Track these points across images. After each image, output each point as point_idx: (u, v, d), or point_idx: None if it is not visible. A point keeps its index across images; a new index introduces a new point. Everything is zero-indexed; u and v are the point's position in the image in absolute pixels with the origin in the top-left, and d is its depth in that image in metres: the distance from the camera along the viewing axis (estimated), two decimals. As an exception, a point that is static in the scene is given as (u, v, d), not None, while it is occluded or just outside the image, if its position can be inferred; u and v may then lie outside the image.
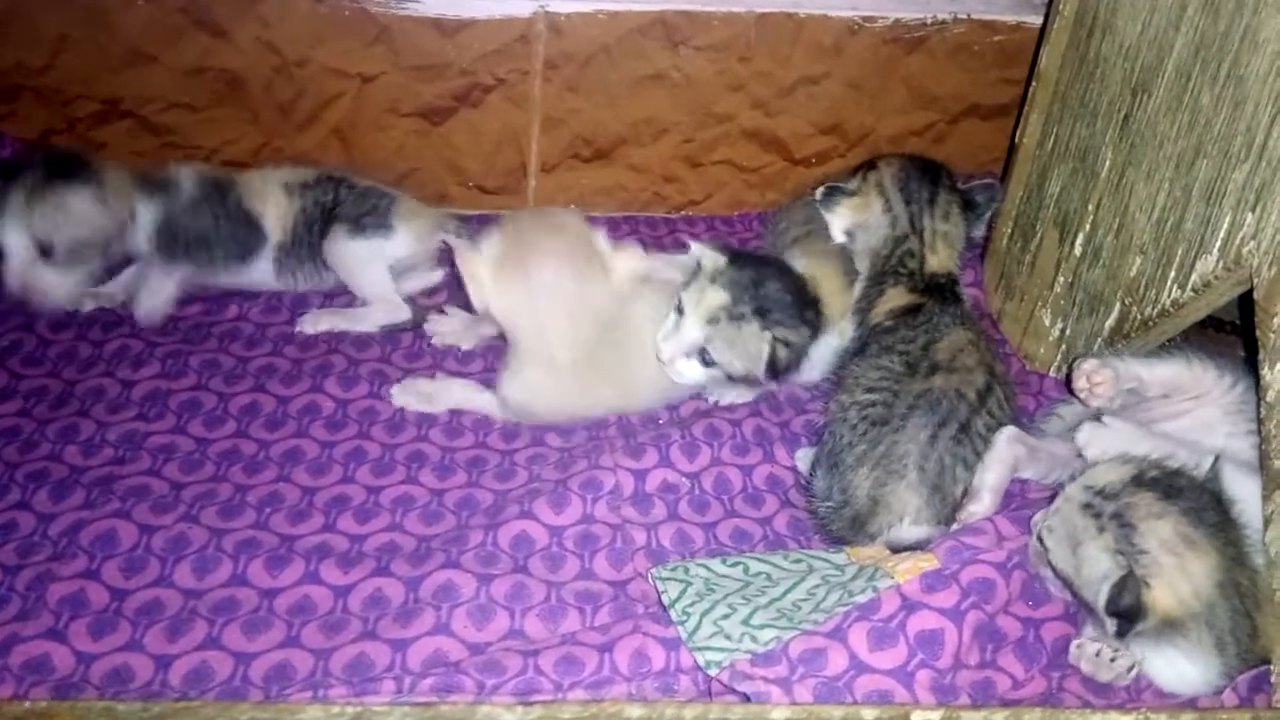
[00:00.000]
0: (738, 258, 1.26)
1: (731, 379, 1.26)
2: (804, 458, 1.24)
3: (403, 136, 1.73)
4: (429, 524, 1.12)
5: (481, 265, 1.20)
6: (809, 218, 1.44)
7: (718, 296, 1.21)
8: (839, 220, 1.30)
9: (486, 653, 0.96)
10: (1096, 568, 0.96)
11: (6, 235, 1.27)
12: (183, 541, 1.06)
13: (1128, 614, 0.93)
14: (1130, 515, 0.96)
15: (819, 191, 1.32)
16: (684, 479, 1.19)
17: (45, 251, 1.29)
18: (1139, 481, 0.98)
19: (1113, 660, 0.98)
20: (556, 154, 1.77)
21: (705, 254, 1.25)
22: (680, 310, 1.24)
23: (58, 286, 1.31)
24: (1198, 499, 0.97)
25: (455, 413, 1.30)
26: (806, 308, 1.27)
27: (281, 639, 0.97)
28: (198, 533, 1.07)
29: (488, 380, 1.32)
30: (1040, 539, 1.01)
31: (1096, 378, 1.14)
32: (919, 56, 1.73)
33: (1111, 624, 0.95)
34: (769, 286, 1.25)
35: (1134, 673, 0.98)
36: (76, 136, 1.66)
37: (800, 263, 1.35)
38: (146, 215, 1.36)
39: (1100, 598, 0.95)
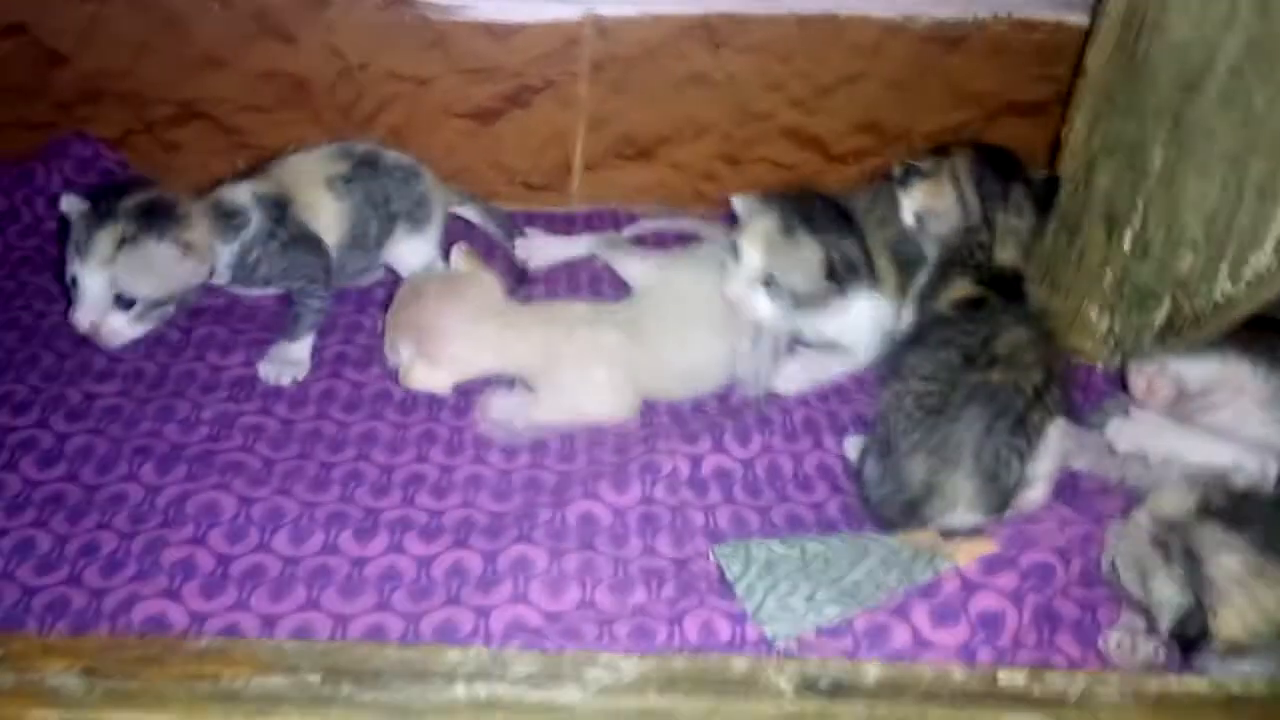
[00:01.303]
0: (777, 195, 1.35)
1: (799, 303, 1.32)
2: (853, 446, 1.30)
3: (454, 136, 1.81)
4: (499, 501, 1.21)
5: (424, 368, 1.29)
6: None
7: (768, 219, 1.29)
8: (911, 202, 1.35)
9: (563, 621, 1.04)
10: (1164, 596, 1.01)
11: (86, 278, 1.27)
12: (278, 513, 1.15)
13: (1192, 644, 0.98)
14: (1197, 548, 0.99)
15: (897, 170, 1.37)
16: (737, 464, 1.27)
17: (124, 304, 1.30)
18: (1205, 510, 1.01)
19: (1134, 649, 1.04)
20: (600, 152, 1.85)
21: (747, 202, 1.33)
22: (736, 253, 1.31)
23: (126, 334, 1.32)
24: (1266, 523, 1.00)
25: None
26: (850, 221, 1.35)
27: (374, 603, 1.06)
28: (291, 505, 1.16)
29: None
30: (1113, 567, 1.07)
31: (1157, 383, 1.18)
32: (958, 55, 1.80)
33: (1176, 649, 1.00)
34: (812, 204, 1.33)
35: (1161, 654, 1.03)
36: (153, 137, 1.76)
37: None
38: (225, 257, 1.38)
39: (1166, 624, 1.00)
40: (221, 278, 1.39)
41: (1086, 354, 1.46)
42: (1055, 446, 1.19)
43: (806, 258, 1.30)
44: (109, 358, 1.37)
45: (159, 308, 1.33)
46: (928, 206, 1.35)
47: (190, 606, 1.04)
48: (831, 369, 1.41)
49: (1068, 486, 1.23)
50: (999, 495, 1.17)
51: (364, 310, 1.52)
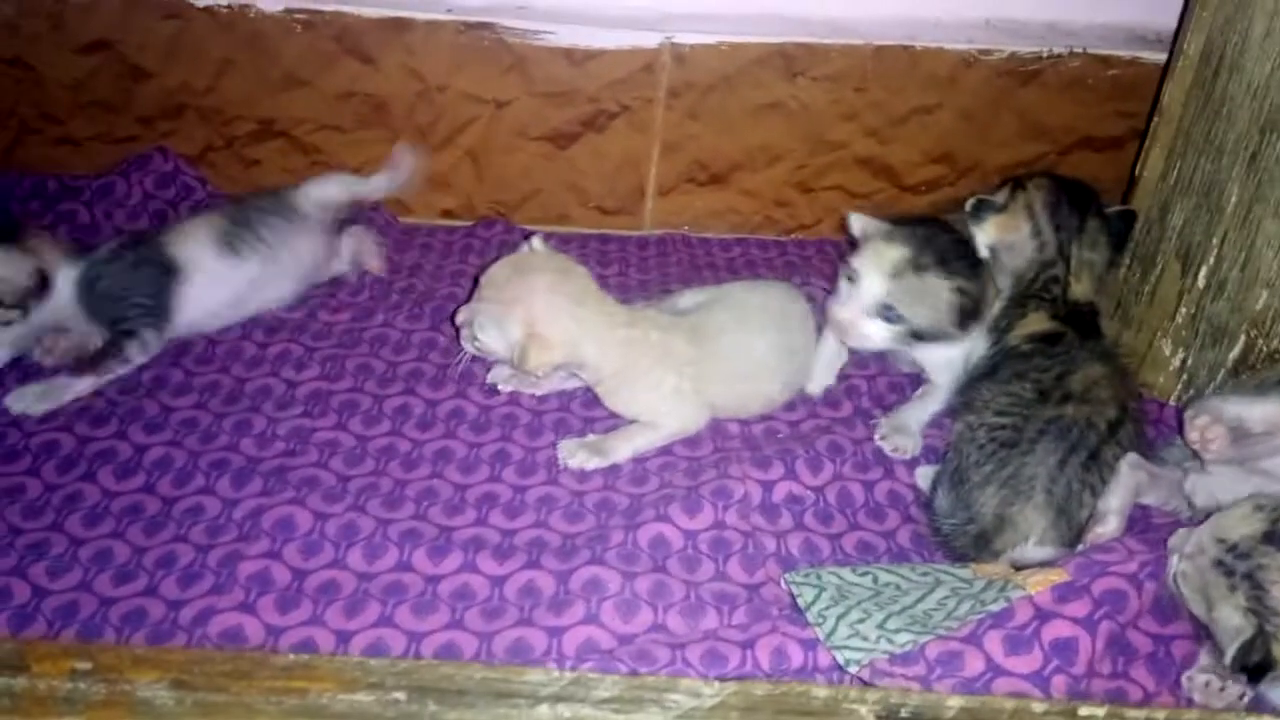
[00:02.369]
0: (901, 220, 1.32)
1: (914, 335, 1.31)
2: (924, 476, 1.29)
3: (530, 159, 1.82)
4: (571, 522, 1.20)
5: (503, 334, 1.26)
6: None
7: (898, 251, 1.27)
8: (984, 235, 1.34)
9: (635, 643, 1.03)
10: (1228, 622, 0.99)
11: None
12: (353, 529, 1.15)
13: (1255, 671, 0.96)
14: (1262, 577, 0.98)
15: (969, 203, 1.36)
16: (809, 491, 1.26)
17: None
18: (1271, 539, 0.99)
19: (1222, 689, 1.01)
20: (673, 177, 1.85)
21: (866, 222, 1.32)
22: (852, 277, 1.30)
23: None
24: None
25: (589, 421, 1.38)
26: (977, 262, 1.33)
27: (447, 621, 1.05)
28: (365, 521, 1.16)
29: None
30: (1176, 583, 1.05)
31: (1210, 434, 1.16)
32: (1033, 89, 1.78)
33: (1240, 676, 0.98)
34: (943, 239, 1.31)
35: (1246, 699, 1.01)
36: (233, 154, 1.79)
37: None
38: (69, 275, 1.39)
39: (1229, 652, 0.98)
40: (65, 300, 1.36)
41: (1158, 389, 1.45)
42: (1127, 482, 1.17)
43: (939, 298, 1.29)
44: (185, 371, 1.39)
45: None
46: (1002, 239, 1.33)
47: (265, 620, 1.04)
48: (928, 411, 1.39)
49: (1139, 521, 1.21)
50: (1070, 529, 1.16)
51: (438, 327, 1.53)
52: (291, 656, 0.74)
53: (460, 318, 1.29)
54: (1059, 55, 1.77)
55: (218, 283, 1.42)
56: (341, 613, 1.05)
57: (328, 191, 1.56)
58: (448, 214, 1.86)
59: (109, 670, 0.71)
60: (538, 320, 1.24)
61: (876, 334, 1.31)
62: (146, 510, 1.16)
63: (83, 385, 1.32)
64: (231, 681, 0.72)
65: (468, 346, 1.30)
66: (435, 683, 0.79)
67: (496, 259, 1.68)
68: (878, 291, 1.29)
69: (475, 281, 1.32)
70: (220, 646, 0.98)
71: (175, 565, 1.09)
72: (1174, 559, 1.06)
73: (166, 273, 1.38)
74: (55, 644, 0.73)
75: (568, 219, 1.88)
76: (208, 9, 1.68)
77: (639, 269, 1.74)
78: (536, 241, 1.34)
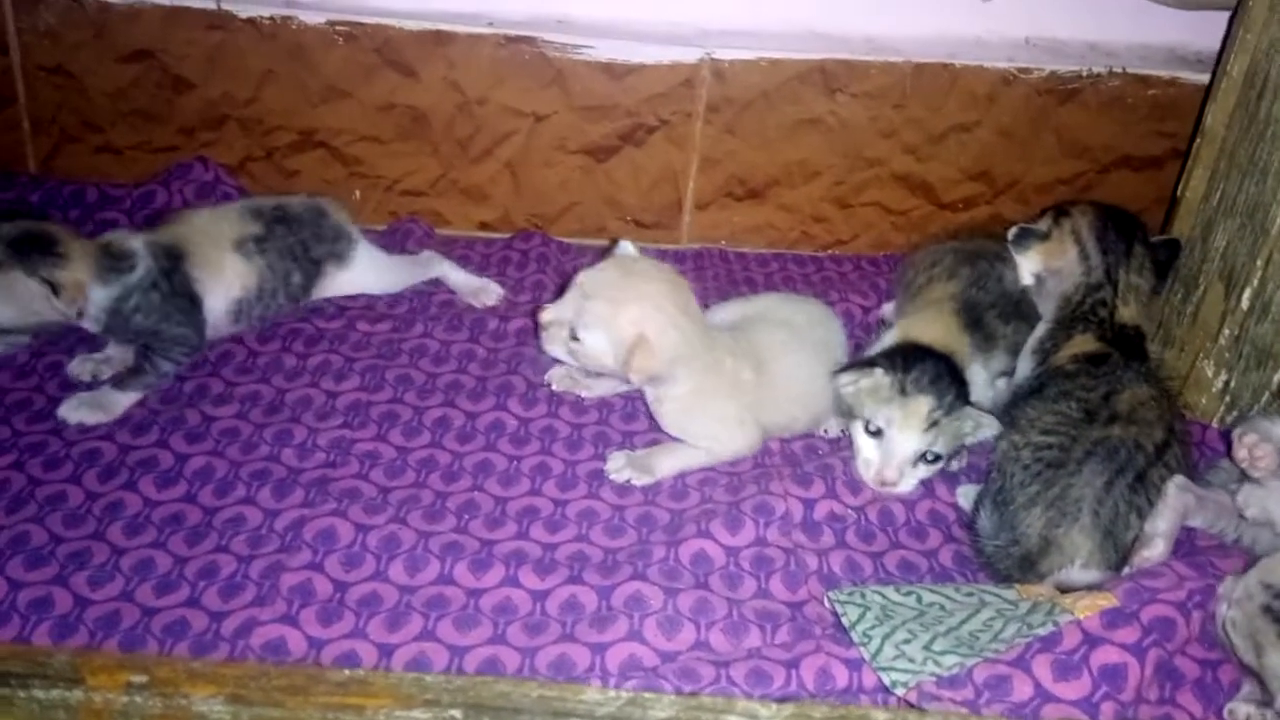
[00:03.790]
0: (894, 361, 1.27)
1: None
2: (965, 495, 1.28)
3: (568, 172, 1.82)
4: (613, 537, 1.19)
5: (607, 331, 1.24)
6: (932, 262, 1.48)
7: (925, 403, 1.24)
8: (1029, 263, 1.34)
9: (678, 661, 1.02)
10: (1278, 668, 0.98)
11: None
12: (394, 541, 1.15)
13: None
14: None
15: (1011, 232, 1.36)
16: (850, 510, 1.24)
17: None
18: None
19: None
20: (711, 192, 1.85)
21: (868, 379, 1.27)
22: (874, 431, 1.26)
23: None
24: None
25: (629, 435, 1.37)
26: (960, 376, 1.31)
27: (490, 636, 1.05)
28: (407, 534, 1.16)
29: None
30: (1226, 631, 1.03)
31: (1258, 451, 1.15)
32: (1071, 108, 1.78)
33: None
34: (942, 370, 1.27)
35: None
36: (272, 164, 1.79)
37: (920, 312, 1.40)
38: (101, 301, 1.36)
39: (1278, 697, 0.97)
40: (95, 323, 1.34)
41: (1201, 410, 1.43)
42: (1174, 504, 1.16)
43: (965, 431, 1.27)
44: (225, 381, 1.39)
45: (9, 334, 1.31)
46: (1049, 266, 1.34)
47: (308, 632, 1.03)
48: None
49: (1185, 543, 1.19)
50: (1116, 551, 1.14)
51: (477, 340, 1.52)
52: (347, 672, 0.74)
53: (548, 316, 1.27)
54: (1099, 75, 1.76)
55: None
56: (384, 626, 1.05)
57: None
58: (485, 226, 1.86)
59: (164, 684, 0.70)
60: (648, 325, 1.23)
61: (915, 478, 1.28)
62: (188, 520, 1.16)
63: (129, 398, 1.32)
64: (287, 696, 0.72)
65: (553, 347, 1.28)
66: (491, 700, 0.78)
67: (534, 271, 1.71)
68: (918, 446, 1.25)
69: (566, 282, 1.31)
70: (276, 661, 0.98)
71: (217, 576, 1.09)
72: (1223, 606, 1.04)
73: (196, 313, 1.39)
74: (111, 656, 0.73)
75: (605, 232, 1.87)
76: (250, 20, 1.69)
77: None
78: (629, 245, 1.31)
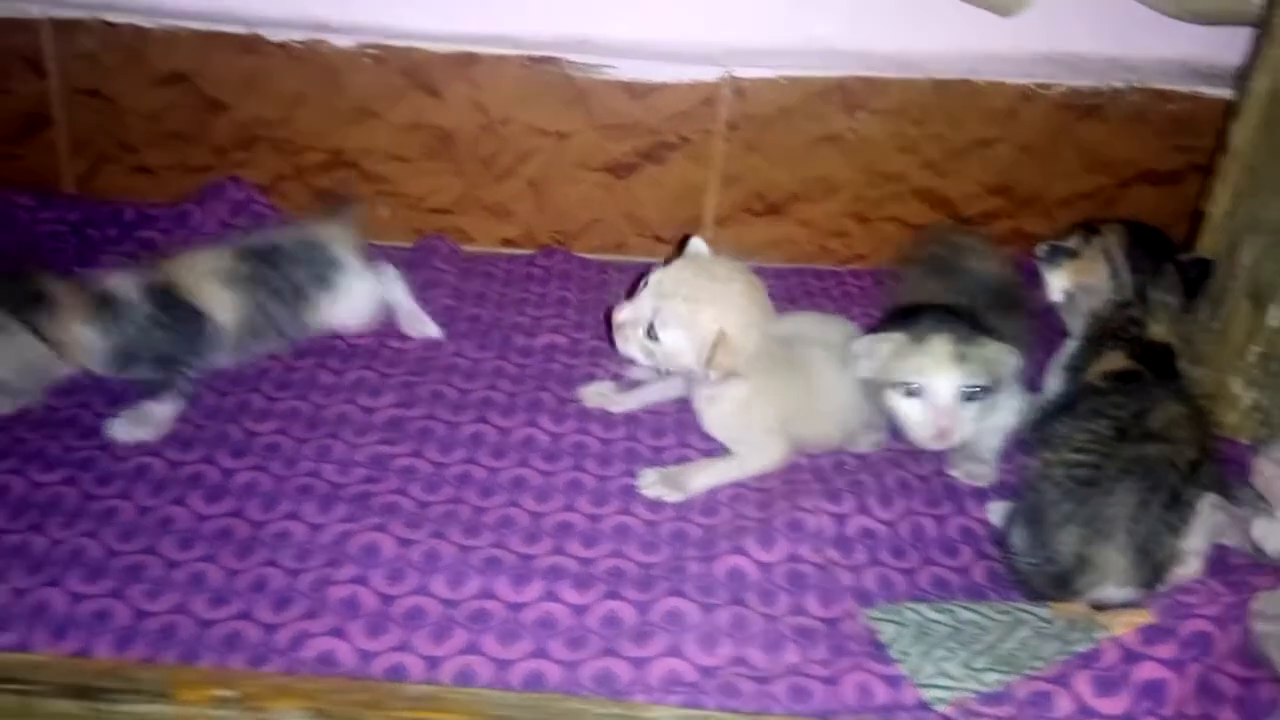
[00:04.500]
0: (897, 322, 1.32)
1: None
2: (995, 511, 1.30)
3: (589, 189, 1.85)
4: (647, 553, 1.22)
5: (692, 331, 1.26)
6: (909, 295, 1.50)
7: (944, 339, 1.27)
8: (1059, 280, 1.36)
9: (718, 676, 1.05)
10: None
11: None
12: (435, 556, 1.17)
13: None
14: None
15: (1040, 249, 1.38)
16: (881, 525, 1.27)
17: None
18: None
19: None
20: (731, 208, 1.88)
21: (883, 344, 1.30)
22: (912, 391, 1.29)
23: None
24: None
25: (658, 450, 1.40)
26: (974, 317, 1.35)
27: (532, 650, 1.07)
28: (447, 548, 1.18)
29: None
30: (1265, 648, 1.05)
31: (1277, 485, 1.17)
32: (1092, 123, 1.80)
33: None
34: (943, 312, 1.31)
35: None
36: (302, 183, 1.83)
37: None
38: (100, 345, 1.38)
39: None
40: (97, 365, 1.36)
41: (1230, 427, 1.43)
42: (1208, 522, 1.17)
43: (1000, 355, 1.29)
44: (265, 397, 1.42)
45: (11, 391, 1.31)
46: (1080, 283, 1.36)
47: (357, 645, 1.06)
48: (999, 437, 1.40)
49: (1218, 562, 1.20)
50: (1151, 570, 1.15)
51: (505, 356, 1.55)
52: (422, 687, 0.76)
53: (624, 316, 1.29)
54: (1119, 90, 1.78)
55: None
56: (429, 639, 1.08)
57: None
58: (508, 242, 1.89)
59: (251, 699, 0.73)
60: (729, 323, 1.25)
61: (974, 413, 1.30)
62: (236, 534, 1.19)
63: (169, 410, 1.35)
64: (366, 710, 0.74)
65: (629, 348, 1.31)
66: (560, 716, 0.80)
67: (557, 287, 1.74)
68: (956, 382, 1.27)
69: (636, 283, 1.34)
70: (351, 676, 1.00)
71: (267, 589, 1.12)
72: (1258, 623, 1.06)
73: (197, 325, 1.40)
74: (198, 671, 0.75)
75: (625, 248, 1.90)
76: (282, 44, 1.72)
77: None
78: (700, 243, 1.34)
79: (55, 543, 1.16)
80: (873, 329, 1.36)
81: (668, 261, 1.35)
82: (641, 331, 1.29)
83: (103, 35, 1.72)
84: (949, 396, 1.28)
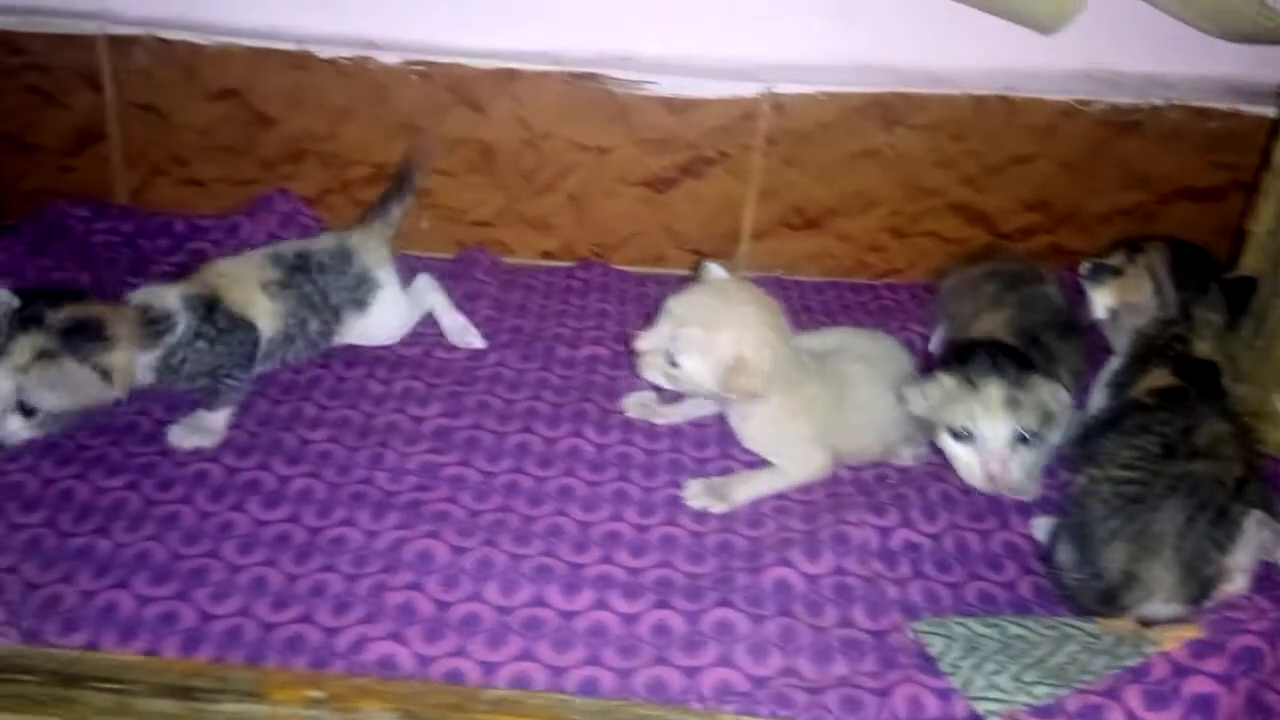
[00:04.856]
0: (950, 363, 1.33)
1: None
2: (1039, 527, 1.31)
3: (628, 203, 1.88)
4: (695, 564, 1.24)
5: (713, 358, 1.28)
6: (974, 291, 1.53)
7: (995, 385, 1.28)
8: (1104, 298, 1.37)
9: (770, 686, 1.06)
10: None
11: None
12: (488, 563, 1.19)
13: None
14: None
15: (1084, 267, 1.39)
16: (926, 539, 1.28)
17: (26, 410, 1.28)
18: None
19: None
20: (769, 222, 1.90)
21: (934, 387, 1.31)
22: (962, 435, 1.30)
23: (22, 436, 1.30)
24: None
25: (702, 462, 1.42)
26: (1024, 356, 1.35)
27: (586, 657, 1.09)
28: (499, 556, 1.20)
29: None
30: None
31: None
32: (1131, 139, 1.81)
33: None
34: (997, 352, 1.32)
35: None
36: (347, 196, 1.86)
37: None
38: (148, 361, 1.38)
39: None
40: (145, 379, 1.36)
41: (1274, 445, 1.43)
42: (1253, 539, 1.18)
43: (1048, 397, 1.30)
44: (317, 405, 1.45)
45: (63, 419, 1.31)
46: (1125, 301, 1.37)
47: (415, 650, 1.08)
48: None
49: (1264, 578, 1.21)
50: (1198, 586, 1.16)
51: (548, 367, 1.58)
52: (502, 691, 0.78)
53: (645, 344, 1.32)
54: (1158, 107, 1.79)
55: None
56: (485, 645, 1.10)
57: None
58: (548, 255, 1.92)
59: (340, 699, 0.75)
60: (746, 347, 1.27)
61: (1027, 458, 1.31)
62: (294, 540, 1.22)
63: (222, 417, 1.38)
64: (448, 713, 0.76)
65: (651, 375, 1.33)
66: (635, 720, 0.82)
67: (597, 300, 1.76)
68: (1008, 429, 1.29)
69: (656, 309, 1.36)
70: (441, 681, 1.03)
71: (327, 594, 1.14)
72: None
73: (242, 336, 1.41)
74: (290, 673, 0.77)
75: (663, 261, 1.93)
76: (331, 60, 1.76)
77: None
78: (716, 268, 1.36)
79: (120, 546, 1.19)
80: (926, 367, 1.36)
81: (683, 287, 1.37)
82: (662, 359, 1.31)
83: (157, 52, 1.76)
84: (1001, 443, 1.29)
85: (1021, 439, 1.29)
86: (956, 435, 1.31)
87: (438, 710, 0.76)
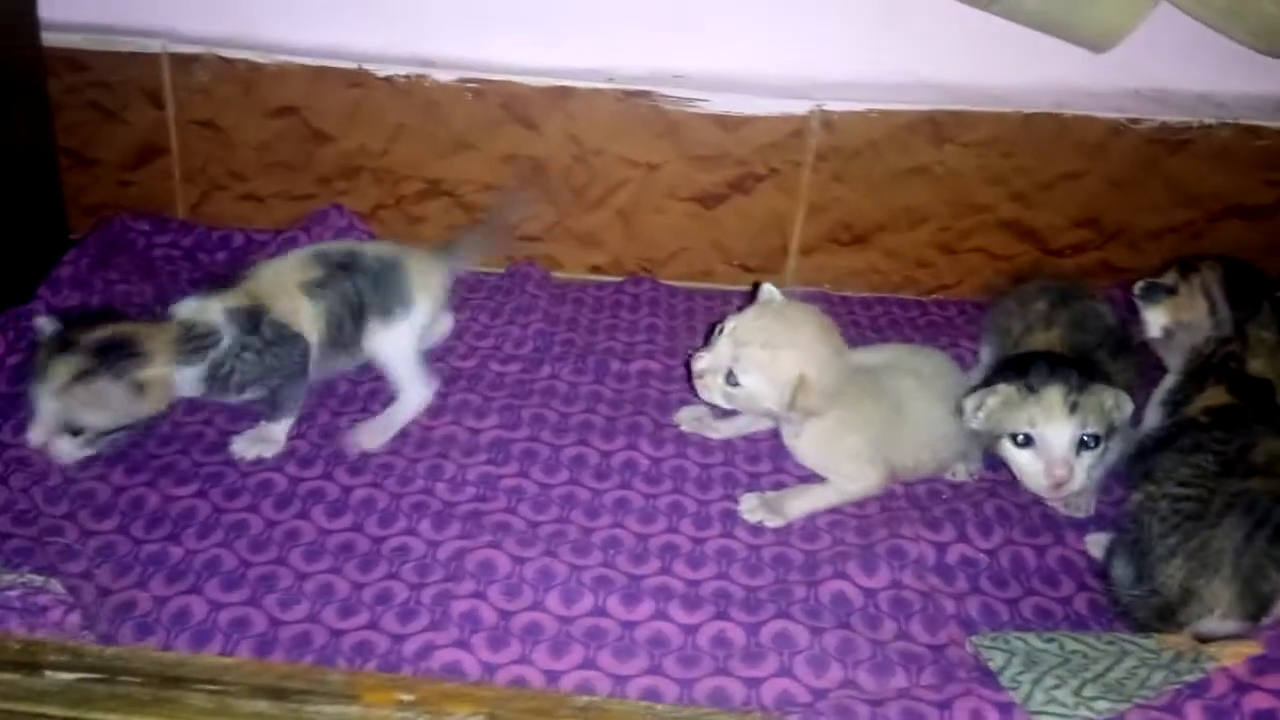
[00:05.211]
0: (1008, 373, 1.34)
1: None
2: (1094, 543, 1.31)
3: (677, 218, 1.89)
4: (752, 576, 1.25)
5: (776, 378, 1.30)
6: (1026, 310, 1.52)
7: (1056, 389, 1.28)
8: (1158, 317, 1.38)
9: (831, 698, 1.07)
10: None
11: (40, 401, 1.27)
12: (549, 573, 1.21)
13: None
14: None
15: (1138, 286, 1.40)
16: (981, 555, 1.29)
17: (73, 431, 1.29)
18: None
19: None
20: (816, 237, 1.91)
21: (993, 396, 1.32)
22: (1023, 441, 1.30)
23: (75, 455, 1.31)
24: None
25: (755, 476, 1.43)
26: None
27: (647, 666, 1.11)
28: (559, 567, 1.22)
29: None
30: None
31: None
32: (1182, 157, 1.81)
33: None
34: (1056, 360, 1.33)
35: None
36: (400, 211, 1.89)
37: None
38: (193, 376, 1.38)
39: None
40: (194, 392, 1.37)
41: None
42: None
43: (1109, 401, 1.30)
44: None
45: (110, 435, 1.31)
46: (1179, 320, 1.37)
47: (480, 657, 1.10)
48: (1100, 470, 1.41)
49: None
50: (1256, 603, 1.16)
51: (602, 381, 1.59)
52: (586, 698, 0.80)
53: (703, 364, 1.33)
54: (1209, 125, 1.79)
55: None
56: (548, 653, 1.11)
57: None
58: (596, 269, 1.94)
59: (429, 702, 0.77)
60: (807, 366, 1.29)
61: (1090, 462, 1.30)
62: (358, 548, 1.24)
63: (283, 427, 1.41)
64: (535, 717, 0.77)
65: (709, 394, 1.34)
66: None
67: (646, 314, 1.78)
68: (1070, 433, 1.29)
69: (711, 330, 1.37)
70: (528, 686, 1.05)
71: (392, 601, 1.16)
72: None
73: (297, 347, 1.42)
74: (381, 676, 0.79)
75: (711, 275, 1.94)
76: (388, 78, 1.79)
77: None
78: (772, 288, 1.38)
79: (191, 553, 1.22)
80: (983, 383, 1.37)
81: (741, 309, 1.39)
82: (721, 379, 1.33)
83: (218, 69, 1.80)
84: (1064, 447, 1.28)
85: (1084, 444, 1.29)
86: (1018, 442, 1.31)
87: (525, 715, 0.77)
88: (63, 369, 1.27)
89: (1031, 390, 1.29)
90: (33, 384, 1.27)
